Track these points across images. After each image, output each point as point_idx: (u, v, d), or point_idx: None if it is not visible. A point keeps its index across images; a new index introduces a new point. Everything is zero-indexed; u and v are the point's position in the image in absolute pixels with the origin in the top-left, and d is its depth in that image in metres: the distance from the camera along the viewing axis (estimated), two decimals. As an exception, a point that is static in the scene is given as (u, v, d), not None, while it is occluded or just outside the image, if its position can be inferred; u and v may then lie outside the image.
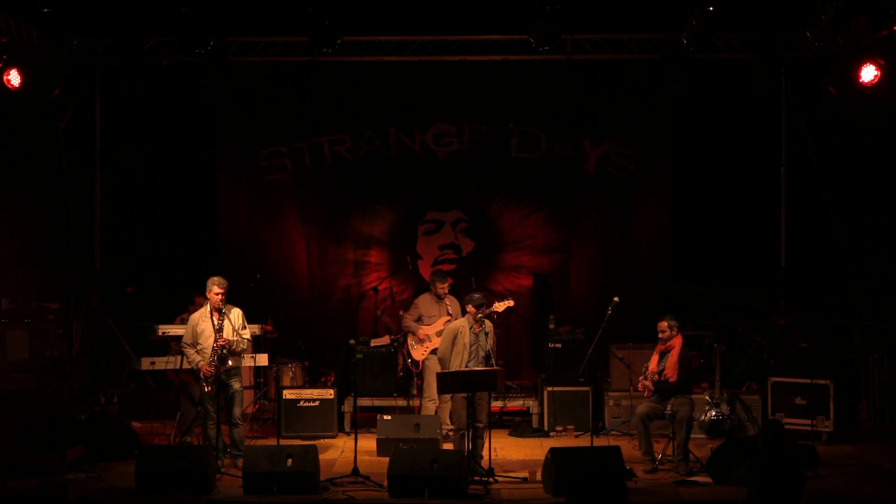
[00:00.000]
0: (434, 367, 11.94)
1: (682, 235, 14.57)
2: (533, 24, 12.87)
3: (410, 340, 12.61)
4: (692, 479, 10.36)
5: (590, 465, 9.78)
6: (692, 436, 10.91)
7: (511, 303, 12.02)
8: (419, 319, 12.55)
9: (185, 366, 11.19)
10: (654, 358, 11.07)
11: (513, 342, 14.24)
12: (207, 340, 10.81)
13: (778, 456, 7.35)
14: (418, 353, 12.53)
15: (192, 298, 12.31)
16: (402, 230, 14.68)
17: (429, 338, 12.41)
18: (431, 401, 12.22)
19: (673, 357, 10.92)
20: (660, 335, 11.02)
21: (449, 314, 12.30)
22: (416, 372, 12.72)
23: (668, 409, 10.80)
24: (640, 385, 11.07)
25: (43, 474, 10.19)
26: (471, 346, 10.60)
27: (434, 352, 12.14)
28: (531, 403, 12.98)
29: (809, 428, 11.61)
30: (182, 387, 11.92)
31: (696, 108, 14.20)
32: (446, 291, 12.48)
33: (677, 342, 10.99)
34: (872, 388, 12.92)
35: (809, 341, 12.38)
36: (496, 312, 11.64)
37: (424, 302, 12.63)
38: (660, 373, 10.89)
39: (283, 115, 14.61)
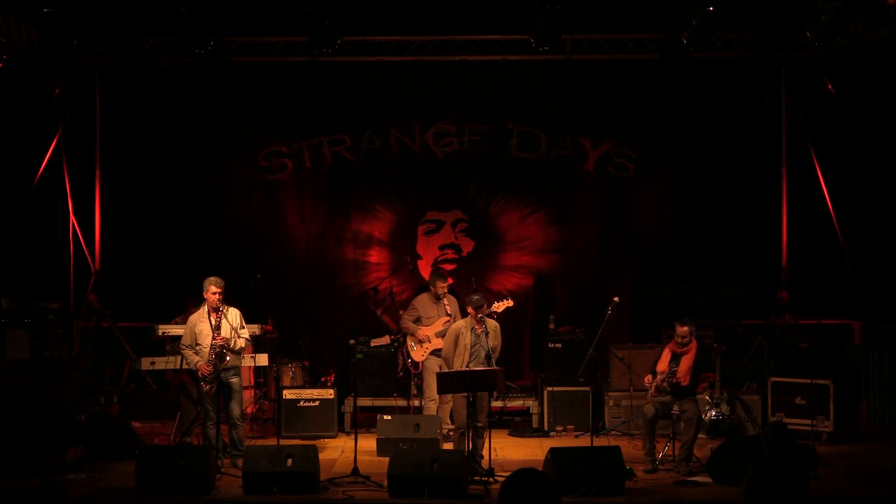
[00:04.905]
0: (434, 368, 11.93)
1: (682, 235, 14.54)
2: (533, 24, 12.88)
3: (410, 342, 12.57)
4: (692, 479, 10.34)
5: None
6: (692, 436, 10.90)
7: (510, 303, 12.01)
8: (417, 320, 12.50)
9: (185, 366, 11.19)
10: (665, 358, 10.90)
11: (513, 342, 14.22)
12: (206, 340, 10.78)
13: (782, 457, 7.35)
14: (418, 354, 12.49)
15: (186, 304, 12.28)
16: (402, 230, 14.65)
17: (428, 339, 12.38)
18: (433, 401, 12.19)
19: (688, 361, 10.79)
20: (679, 339, 10.84)
21: (448, 314, 12.28)
22: (415, 372, 12.70)
23: (674, 409, 10.77)
24: (649, 384, 10.86)
25: (43, 474, 10.18)
26: (472, 346, 10.61)
27: (434, 353, 12.13)
28: (531, 403, 12.98)
29: (809, 428, 11.60)
30: (181, 387, 11.92)
31: (696, 108, 14.19)
32: (446, 291, 12.44)
33: (693, 347, 10.89)
34: (872, 388, 12.91)
35: (809, 341, 12.36)
36: (496, 313, 11.63)
37: (422, 303, 12.59)
38: (671, 374, 10.81)
39: (283, 115, 14.58)
